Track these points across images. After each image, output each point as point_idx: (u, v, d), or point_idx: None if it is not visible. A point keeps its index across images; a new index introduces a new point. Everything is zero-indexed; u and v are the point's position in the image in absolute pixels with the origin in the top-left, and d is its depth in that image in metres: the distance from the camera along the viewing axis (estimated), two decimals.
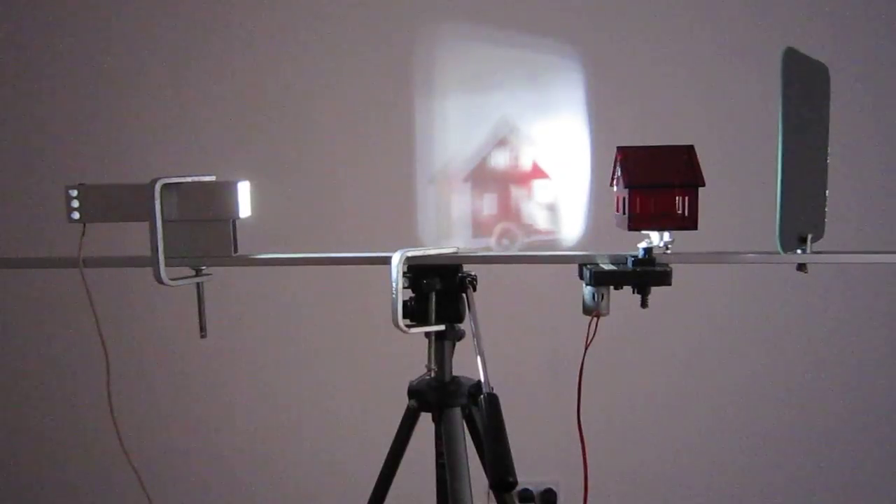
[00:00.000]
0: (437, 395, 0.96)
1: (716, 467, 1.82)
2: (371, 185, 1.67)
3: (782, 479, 1.82)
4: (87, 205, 0.91)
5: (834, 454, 1.81)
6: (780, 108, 0.78)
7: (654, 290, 0.85)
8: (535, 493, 1.79)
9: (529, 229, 1.64)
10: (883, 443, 1.81)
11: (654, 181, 0.85)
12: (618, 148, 0.88)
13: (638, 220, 0.86)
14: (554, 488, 1.79)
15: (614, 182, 0.91)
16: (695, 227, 0.84)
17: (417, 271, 0.90)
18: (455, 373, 0.98)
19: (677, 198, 0.84)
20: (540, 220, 1.64)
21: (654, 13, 1.64)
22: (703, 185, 0.83)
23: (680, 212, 0.84)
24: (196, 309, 0.96)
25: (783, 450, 1.81)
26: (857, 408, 1.79)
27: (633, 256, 0.86)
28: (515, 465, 0.70)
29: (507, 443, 0.72)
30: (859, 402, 1.79)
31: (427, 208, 1.67)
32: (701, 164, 0.88)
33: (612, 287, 0.86)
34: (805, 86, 0.82)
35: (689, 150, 0.86)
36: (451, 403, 0.95)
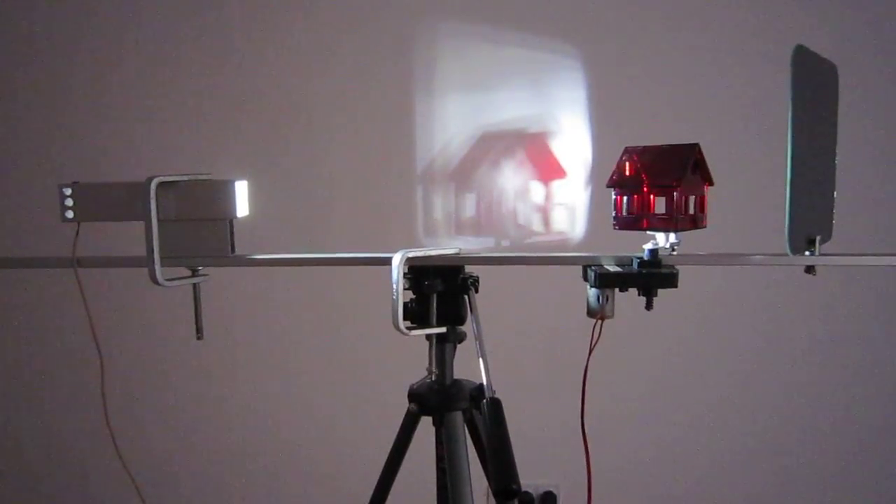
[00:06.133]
0: (438, 398, 0.94)
1: (720, 472, 1.81)
2: (371, 184, 1.66)
3: (790, 485, 1.81)
4: (82, 204, 0.89)
5: (846, 457, 1.80)
6: (789, 107, 0.77)
7: (660, 291, 0.83)
8: (535, 495, 1.78)
9: (532, 229, 1.63)
10: (887, 445, 1.80)
11: (634, 182, 0.84)
12: (625, 149, 0.87)
13: (620, 222, 0.86)
14: (554, 491, 1.78)
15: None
16: (675, 229, 0.82)
17: (418, 272, 0.89)
18: (456, 375, 0.97)
19: (654, 198, 0.82)
20: (544, 219, 1.63)
21: (660, 12, 1.63)
22: (680, 185, 0.81)
23: (659, 212, 0.83)
24: (192, 310, 0.95)
25: (790, 455, 1.80)
26: (864, 410, 1.78)
27: (638, 258, 0.84)
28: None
29: (511, 449, 0.71)
30: (866, 404, 1.77)
31: (427, 208, 1.65)
32: (709, 164, 0.86)
33: (616, 289, 0.84)
34: (815, 85, 0.80)
35: (691, 148, 0.83)
36: (452, 407, 0.94)
